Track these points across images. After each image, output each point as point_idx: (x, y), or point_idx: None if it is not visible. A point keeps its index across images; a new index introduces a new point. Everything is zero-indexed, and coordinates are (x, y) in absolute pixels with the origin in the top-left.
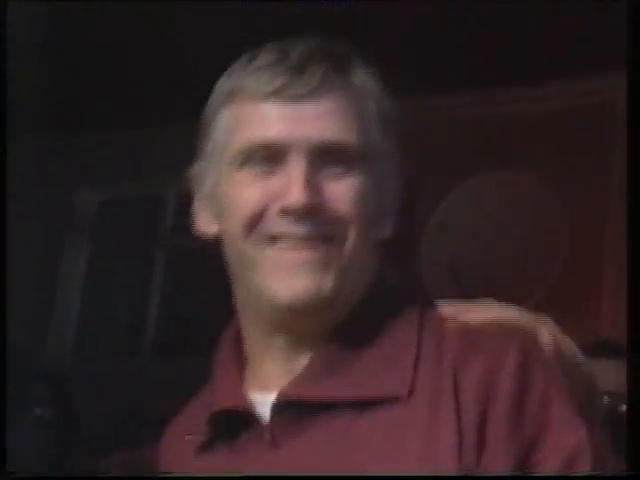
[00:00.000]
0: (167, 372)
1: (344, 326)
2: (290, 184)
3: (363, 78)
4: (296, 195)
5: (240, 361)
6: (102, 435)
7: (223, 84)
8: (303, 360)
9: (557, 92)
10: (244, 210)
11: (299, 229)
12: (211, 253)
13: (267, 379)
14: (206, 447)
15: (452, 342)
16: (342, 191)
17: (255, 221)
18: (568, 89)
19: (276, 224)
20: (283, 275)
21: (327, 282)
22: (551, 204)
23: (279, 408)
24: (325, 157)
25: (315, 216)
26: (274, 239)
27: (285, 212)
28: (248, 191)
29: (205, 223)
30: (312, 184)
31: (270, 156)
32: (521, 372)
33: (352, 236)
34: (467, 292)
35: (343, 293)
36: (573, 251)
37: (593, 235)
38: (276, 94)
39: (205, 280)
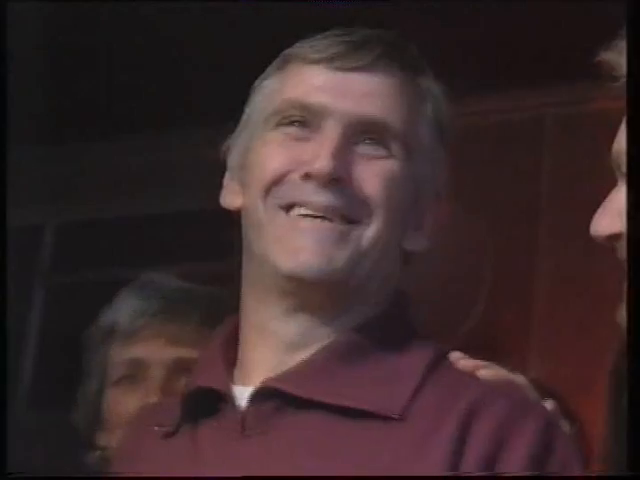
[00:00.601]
0: (42, 425)
1: (350, 332)
2: (320, 151)
3: (430, 83)
4: (323, 161)
5: (230, 354)
6: None
7: (282, 54)
8: (297, 357)
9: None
10: (268, 168)
11: (319, 198)
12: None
13: (255, 372)
14: (171, 433)
15: (473, 386)
16: (374, 172)
17: (276, 181)
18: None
19: (297, 189)
20: (291, 240)
21: (340, 258)
22: (473, 231)
23: (258, 396)
24: (363, 133)
25: (339, 189)
26: (291, 206)
27: (308, 177)
28: (277, 150)
29: (231, 195)
30: (342, 155)
31: (307, 121)
32: (547, 428)
33: (377, 222)
34: None
35: (358, 276)
36: (499, 286)
37: (521, 266)
38: (327, 61)
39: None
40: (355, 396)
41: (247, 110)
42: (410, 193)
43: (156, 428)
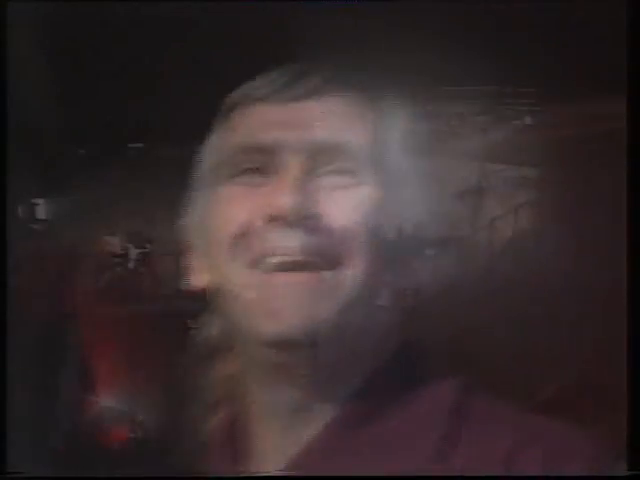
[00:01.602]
0: None
1: (361, 388)
2: (281, 188)
3: (394, 106)
4: (285, 197)
5: (233, 445)
6: None
7: (224, 102)
8: (301, 436)
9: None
10: (229, 223)
11: (290, 241)
12: None
13: (267, 457)
14: None
15: (509, 429)
16: (346, 204)
17: (241, 234)
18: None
19: (264, 236)
20: (268, 301)
21: (324, 310)
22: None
23: None
24: (326, 163)
25: (310, 226)
26: (261, 259)
27: (273, 219)
28: (235, 203)
29: (196, 274)
30: (307, 190)
31: (262, 164)
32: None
33: (361, 261)
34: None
35: (347, 331)
36: (595, 342)
37: (614, 316)
38: (272, 94)
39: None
40: (380, 459)
41: (196, 174)
42: (393, 224)
43: None
